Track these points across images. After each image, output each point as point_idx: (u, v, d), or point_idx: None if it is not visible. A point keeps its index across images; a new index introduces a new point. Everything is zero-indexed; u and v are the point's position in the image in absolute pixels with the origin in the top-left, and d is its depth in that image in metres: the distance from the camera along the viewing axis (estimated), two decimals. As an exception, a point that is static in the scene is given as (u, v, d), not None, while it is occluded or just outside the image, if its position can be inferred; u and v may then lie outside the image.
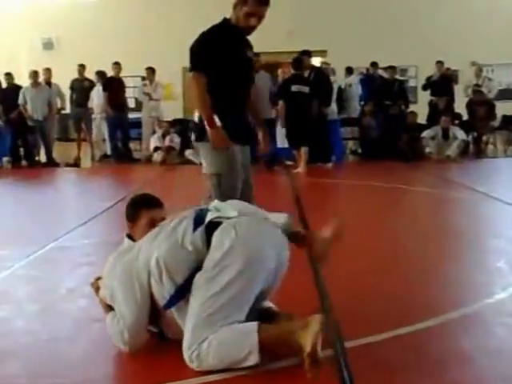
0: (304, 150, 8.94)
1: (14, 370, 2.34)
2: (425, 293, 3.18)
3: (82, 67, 11.31)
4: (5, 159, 10.87)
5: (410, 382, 2.18)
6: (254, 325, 2.17)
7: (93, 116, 11.41)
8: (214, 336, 2.16)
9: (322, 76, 9.77)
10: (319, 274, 3.41)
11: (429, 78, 11.71)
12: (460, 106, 11.85)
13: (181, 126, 11.85)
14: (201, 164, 9.71)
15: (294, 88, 8.80)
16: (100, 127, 11.32)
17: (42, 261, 4.05)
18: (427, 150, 10.57)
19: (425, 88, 11.76)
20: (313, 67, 9.82)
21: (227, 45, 3.43)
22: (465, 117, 11.83)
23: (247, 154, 3.64)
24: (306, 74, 9.39)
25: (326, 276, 3.37)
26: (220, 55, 3.39)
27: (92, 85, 11.38)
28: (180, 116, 13.37)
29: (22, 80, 11.40)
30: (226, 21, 3.51)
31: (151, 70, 11.43)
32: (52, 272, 3.81)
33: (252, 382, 2.17)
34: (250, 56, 3.59)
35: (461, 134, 10.61)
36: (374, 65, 12.02)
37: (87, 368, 2.34)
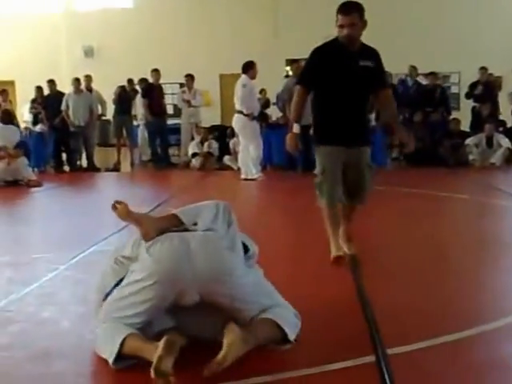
0: None
1: (61, 369, 2.42)
2: (465, 302, 3.17)
3: (130, 82, 11.68)
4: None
5: None
6: (123, 333, 2.31)
7: (136, 122, 11.67)
8: (99, 329, 2.41)
9: None
10: (361, 283, 3.44)
11: (472, 86, 11.53)
12: (504, 113, 11.66)
13: (219, 132, 11.96)
14: (239, 169, 9.88)
15: None
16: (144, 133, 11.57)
17: (85, 264, 4.15)
18: (471, 157, 10.43)
19: (468, 96, 11.61)
20: None
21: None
22: (509, 124, 11.62)
23: (356, 156, 3.95)
24: None
25: (366, 285, 3.40)
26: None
27: (136, 94, 11.62)
28: (218, 122, 13.51)
29: (64, 87, 11.70)
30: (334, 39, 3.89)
31: (190, 77, 11.58)
32: (95, 274, 3.88)
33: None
34: (358, 65, 3.83)
35: (505, 142, 10.44)
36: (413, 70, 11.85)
37: (131, 368, 2.39)
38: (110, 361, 2.30)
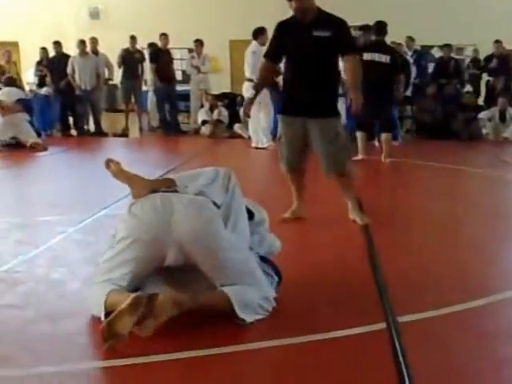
0: (387, 137, 7.49)
1: (70, 329, 2.45)
2: (477, 272, 3.21)
3: (133, 39, 11.29)
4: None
5: (461, 356, 2.22)
6: (107, 291, 2.37)
7: (146, 88, 11.55)
8: (91, 290, 2.48)
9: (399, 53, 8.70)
10: (373, 253, 3.47)
11: (486, 59, 11.38)
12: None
13: (229, 99, 11.85)
14: (249, 138, 9.79)
15: (367, 56, 7.25)
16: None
17: (94, 227, 4.17)
18: (484, 131, 10.37)
19: (482, 70, 11.47)
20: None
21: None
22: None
23: (317, 127, 4.01)
24: None
25: (378, 255, 3.42)
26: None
27: (142, 56, 11.46)
28: (227, 90, 13.37)
29: (68, 49, 11.51)
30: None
31: (199, 43, 11.41)
32: (103, 237, 3.88)
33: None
34: (311, 36, 3.89)
35: (518, 116, 10.36)
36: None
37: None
38: (102, 318, 2.33)
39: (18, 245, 3.72)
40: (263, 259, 2.69)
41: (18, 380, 2.04)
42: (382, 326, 2.42)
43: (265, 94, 9.00)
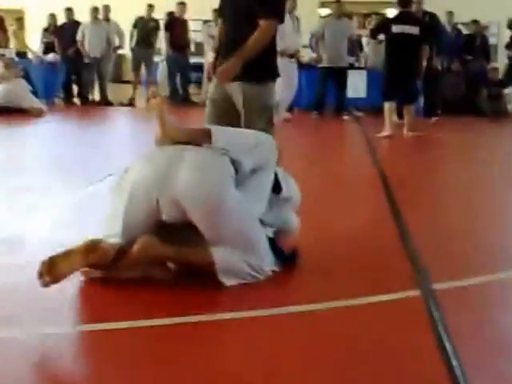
0: (410, 109, 7.70)
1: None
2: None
3: (150, 7, 11.23)
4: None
5: (497, 324, 2.17)
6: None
7: (159, 58, 11.45)
8: None
9: (436, 21, 9.08)
10: (401, 218, 3.46)
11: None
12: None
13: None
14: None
15: (396, 28, 7.36)
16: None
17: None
18: (510, 107, 10.31)
19: (509, 47, 11.37)
20: (425, 12, 8.80)
21: None
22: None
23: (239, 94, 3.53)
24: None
25: (408, 221, 3.41)
26: None
27: (157, 25, 11.35)
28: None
29: (78, 16, 11.37)
30: None
31: (218, 12, 11.27)
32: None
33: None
34: None
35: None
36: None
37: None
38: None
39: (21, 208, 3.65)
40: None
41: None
42: (415, 293, 2.33)
43: (287, 64, 8.58)
